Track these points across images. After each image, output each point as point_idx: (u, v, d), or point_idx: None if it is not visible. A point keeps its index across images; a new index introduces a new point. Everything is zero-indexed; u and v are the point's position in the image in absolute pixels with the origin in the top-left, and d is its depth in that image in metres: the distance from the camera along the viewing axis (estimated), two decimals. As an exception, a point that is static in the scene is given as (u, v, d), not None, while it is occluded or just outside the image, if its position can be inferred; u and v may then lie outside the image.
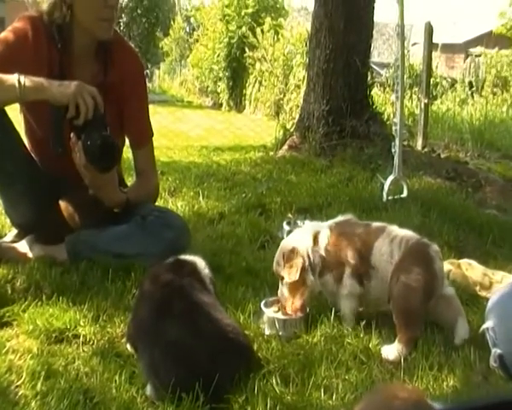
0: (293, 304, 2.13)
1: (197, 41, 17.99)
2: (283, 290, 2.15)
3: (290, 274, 2.11)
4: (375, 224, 2.18)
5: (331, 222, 2.19)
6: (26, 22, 2.50)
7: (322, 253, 2.11)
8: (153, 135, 2.80)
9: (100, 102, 2.33)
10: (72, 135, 2.39)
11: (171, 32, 23.23)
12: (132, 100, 2.67)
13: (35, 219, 2.61)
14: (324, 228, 2.16)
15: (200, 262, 1.95)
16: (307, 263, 2.11)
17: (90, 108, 2.28)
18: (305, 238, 2.16)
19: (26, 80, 2.27)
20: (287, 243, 2.20)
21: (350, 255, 2.09)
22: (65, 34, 2.51)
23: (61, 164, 2.50)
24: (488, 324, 1.92)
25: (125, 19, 19.73)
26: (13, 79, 2.26)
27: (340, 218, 2.20)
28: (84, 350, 1.91)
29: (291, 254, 2.12)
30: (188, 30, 23.93)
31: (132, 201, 2.61)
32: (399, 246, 2.05)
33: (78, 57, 2.56)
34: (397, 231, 2.11)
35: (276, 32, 13.73)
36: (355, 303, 2.13)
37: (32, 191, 2.56)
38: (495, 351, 1.86)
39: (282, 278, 2.15)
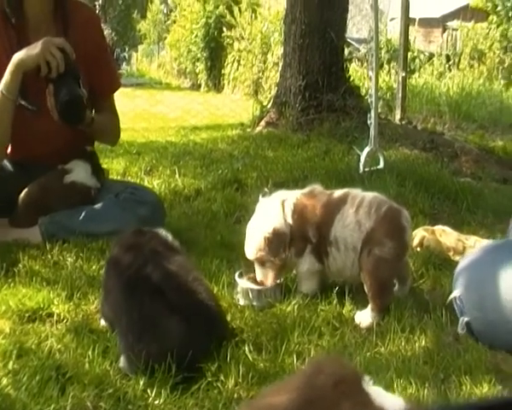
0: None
1: (174, 22, 17.75)
2: (268, 272, 2.10)
3: (279, 255, 2.06)
4: (338, 192, 2.10)
5: (297, 192, 2.14)
6: None
7: (290, 221, 2.07)
8: (120, 85, 2.94)
9: (69, 50, 2.40)
10: (47, 88, 2.43)
11: (148, 13, 22.93)
12: (98, 54, 2.72)
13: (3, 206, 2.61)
14: (290, 198, 2.10)
15: (161, 231, 1.95)
16: (287, 240, 2.07)
17: (60, 62, 2.36)
18: (277, 212, 2.08)
19: (3, 81, 2.38)
20: (264, 225, 2.08)
21: (311, 233, 2.05)
22: (16, 6, 2.51)
23: (38, 126, 2.53)
24: (455, 293, 1.94)
25: (100, 1, 19.39)
26: None
27: (306, 189, 2.15)
28: (57, 328, 1.90)
29: (273, 236, 2.05)
30: (165, 11, 23.63)
31: (97, 122, 2.62)
32: (369, 214, 1.99)
33: (36, 27, 2.55)
34: (361, 196, 2.05)
35: (254, 11, 13.60)
36: (314, 282, 2.11)
37: None
38: (462, 319, 1.90)
39: (263, 263, 2.10)
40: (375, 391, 0.90)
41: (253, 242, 2.10)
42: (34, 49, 2.36)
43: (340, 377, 0.89)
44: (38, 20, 2.56)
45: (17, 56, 2.39)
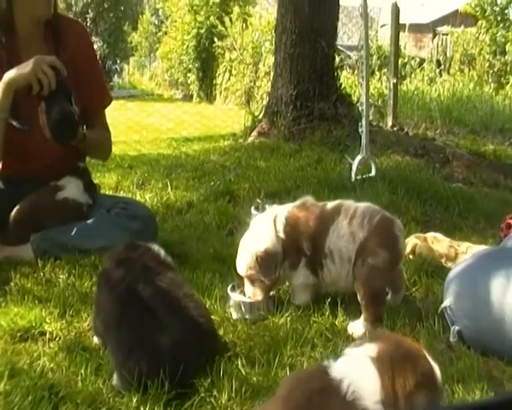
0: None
1: (166, 34, 17.81)
2: (257, 290, 2.10)
3: (270, 275, 2.06)
4: (331, 204, 2.11)
5: (289, 205, 2.13)
6: None
7: (282, 236, 2.07)
8: (111, 100, 2.91)
9: (60, 68, 2.41)
10: (39, 106, 2.43)
11: (139, 25, 22.98)
12: (89, 71, 2.72)
13: None
14: (282, 212, 2.10)
15: (154, 246, 1.94)
16: (280, 259, 2.07)
17: (52, 80, 2.37)
18: (269, 230, 2.07)
19: None
20: (256, 244, 2.08)
21: (306, 245, 2.04)
22: (6, 25, 2.52)
23: (30, 143, 2.53)
24: (445, 303, 1.95)
25: (91, 14, 19.37)
26: None
27: (297, 201, 2.14)
28: (49, 347, 1.89)
29: (265, 256, 2.04)
30: (156, 23, 23.69)
31: (89, 138, 2.62)
32: (362, 225, 2.00)
33: (27, 45, 2.56)
34: (354, 207, 2.05)
35: (245, 21, 13.68)
36: (308, 295, 2.11)
37: None
38: (454, 328, 1.90)
39: (253, 281, 2.09)
40: (350, 391, 0.92)
41: (245, 259, 2.09)
42: (25, 68, 2.37)
43: (312, 391, 0.91)
44: (29, 39, 2.57)
45: (8, 75, 2.39)
